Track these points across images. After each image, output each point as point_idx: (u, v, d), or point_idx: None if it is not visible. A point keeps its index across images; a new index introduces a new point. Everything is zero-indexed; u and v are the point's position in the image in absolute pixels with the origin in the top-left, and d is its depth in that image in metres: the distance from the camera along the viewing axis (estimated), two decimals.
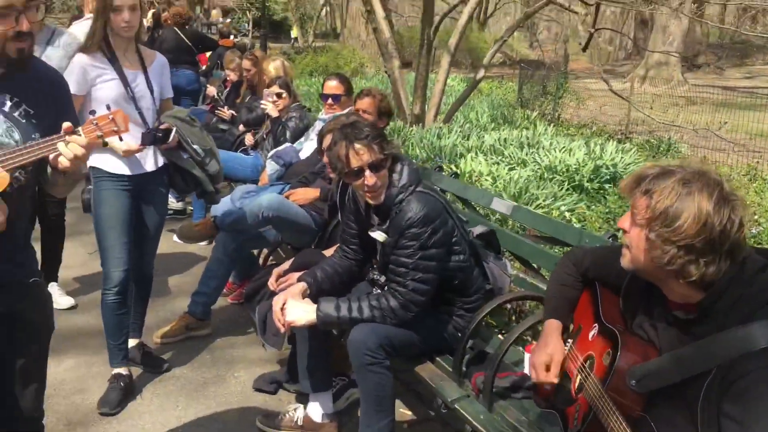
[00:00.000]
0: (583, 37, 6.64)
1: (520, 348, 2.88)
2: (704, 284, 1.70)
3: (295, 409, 3.20)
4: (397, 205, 2.74)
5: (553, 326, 2.20)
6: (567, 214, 5.08)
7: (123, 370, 3.39)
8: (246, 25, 25.53)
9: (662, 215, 1.67)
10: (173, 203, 6.11)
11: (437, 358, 2.89)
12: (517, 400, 2.60)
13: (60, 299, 4.26)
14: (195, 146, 3.31)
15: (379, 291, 2.91)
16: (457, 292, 2.91)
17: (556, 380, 2.09)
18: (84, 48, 3.14)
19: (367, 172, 2.69)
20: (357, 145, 2.67)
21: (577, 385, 2.06)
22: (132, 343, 3.58)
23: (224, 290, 4.34)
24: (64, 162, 1.79)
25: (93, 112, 1.89)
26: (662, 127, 10.70)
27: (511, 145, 6.99)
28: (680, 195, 1.66)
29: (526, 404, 2.55)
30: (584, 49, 7.38)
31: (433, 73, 9.62)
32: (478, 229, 3.15)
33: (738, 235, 1.65)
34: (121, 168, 3.22)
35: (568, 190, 5.75)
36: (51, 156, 1.80)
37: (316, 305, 2.76)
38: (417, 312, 2.72)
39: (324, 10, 40.09)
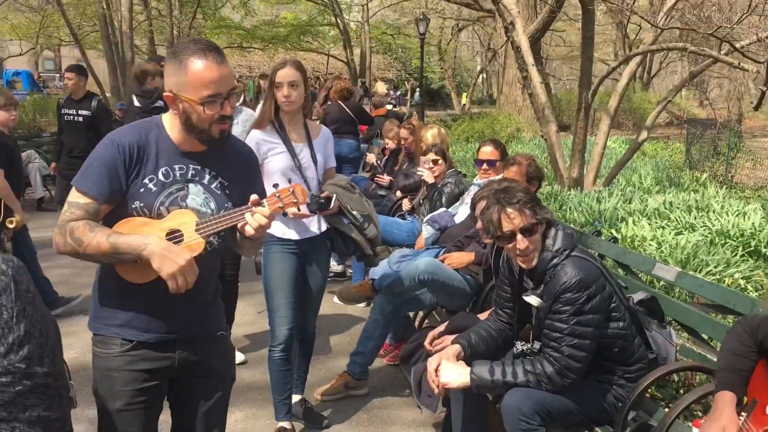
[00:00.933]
0: (755, 95, 6.25)
1: (689, 424, 2.70)
2: None
3: None
4: (551, 269, 2.73)
5: (726, 398, 2.07)
6: (742, 282, 4.74)
7: (287, 424, 3.57)
8: (391, 93, 26.72)
9: None
10: (333, 266, 6.41)
11: (597, 429, 2.78)
12: None
13: None
14: (354, 212, 3.50)
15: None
16: (617, 361, 2.81)
17: None
18: (257, 124, 3.46)
19: (519, 236, 2.72)
20: (509, 210, 2.72)
21: None
22: (295, 399, 3.76)
23: (381, 351, 4.46)
24: (250, 231, 2.02)
25: (276, 185, 2.12)
26: None
27: (678, 208, 6.65)
28: None
29: None
30: (756, 108, 6.91)
31: (592, 136, 9.46)
32: (638, 296, 3.03)
33: None
34: (289, 233, 3.47)
35: (743, 256, 5.36)
36: (239, 224, 2.02)
37: (469, 368, 2.78)
38: (573, 379, 2.65)
39: (480, 77, 40.93)
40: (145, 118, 2.17)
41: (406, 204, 5.99)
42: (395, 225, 5.66)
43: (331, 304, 5.51)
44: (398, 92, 24.15)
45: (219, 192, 2.12)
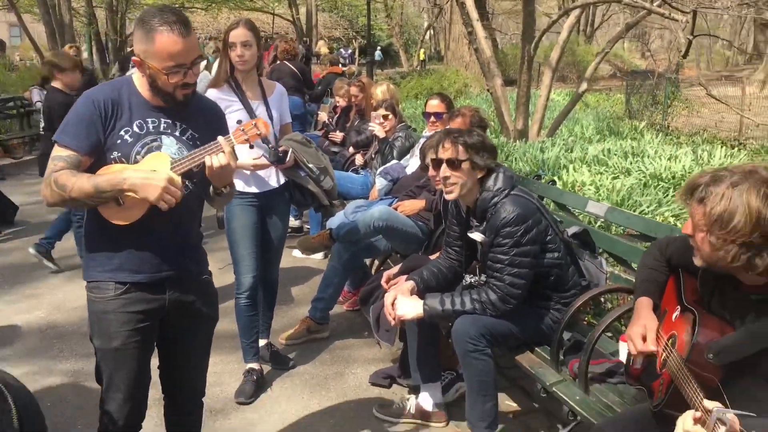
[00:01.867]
0: (684, 44, 6.58)
1: (615, 339, 3.04)
2: None
3: (407, 400, 3.50)
4: (492, 207, 3.01)
5: (644, 303, 2.34)
6: (671, 220, 5.12)
7: (255, 365, 3.82)
8: (343, 52, 26.66)
9: (718, 220, 1.83)
10: (291, 221, 6.62)
11: (537, 349, 3.11)
12: (612, 385, 2.78)
13: None
14: (311, 165, 3.71)
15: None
16: (553, 288, 3.12)
17: (653, 348, 2.21)
18: (214, 83, 3.62)
19: (444, 166, 3.00)
20: (446, 142, 3.01)
21: (661, 361, 2.23)
22: (261, 343, 4.01)
23: (340, 299, 4.73)
24: (217, 162, 2.18)
25: (240, 122, 2.31)
26: None
27: (615, 155, 7.03)
28: (731, 198, 1.81)
29: (621, 388, 2.73)
30: (684, 56, 7.29)
31: (537, 90, 9.76)
32: (572, 229, 3.35)
33: None
34: (250, 187, 3.66)
35: (674, 196, 5.76)
36: (208, 162, 2.20)
37: (423, 300, 3.06)
38: (514, 304, 2.96)
39: (428, 34, 40.88)
40: (118, 78, 2.35)
41: (359, 159, 6.21)
42: (349, 179, 5.88)
43: (291, 259, 5.75)
44: (350, 50, 24.08)
45: (191, 143, 2.31)
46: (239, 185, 3.63)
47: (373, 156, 5.93)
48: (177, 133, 2.29)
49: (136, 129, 2.21)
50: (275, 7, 32.32)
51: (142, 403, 2.43)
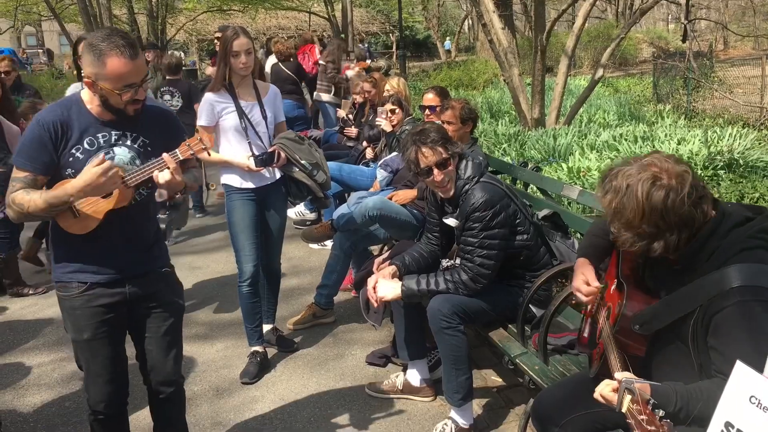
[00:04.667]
0: (688, 28, 6.59)
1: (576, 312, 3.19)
2: (678, 250, 1.99)
3: (396, 376, 3.73)
4: (463, 194, 3.21)
5: (580, 261, 2.50)
6: None
7: (259, 348, 4.10)
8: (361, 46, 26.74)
9: (616, 213, 1.97)
10: (307, 214, 6.91)
11: (509, 325, 3.30)
12: (573, 356, 2.96)
13: None
14: (303, 161, 3.94)
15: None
16: (524, 267, 3.31)
17: (598, 284, 2.39)
18: (211, 87, 3.89)
19: (435, 171, 3.19)
20: (424, 149, 3.18)
21: (598, 332, 2.41)
22: (267, 328, 4.29)
23: (348, 285, 4.97)
24: (162, 178, 2.39)
25: (184, 138, 2.52)
26: None
27: (626, 140, 7.10)
28: (622, 192, 1.94)
29: (581, 359, 2.91)
30: (683, 41, 7.28)
31: (574, 77, 9.80)
32: (543, 212, 3.52)
33: (684, 209, 1.91)
34: (246, 183, 3.92)
35: None
36: (155, 174, 2.40)
37: (401, 282, 3.28)
38: (484, 284, 3.15)
39: (465, 24, 40.75)
40: (65, 97, 2.56)
41: (369, 153, 6.43)
42: (359, 172, 6.11)
43: (303, 247, 6.04)
44: (365, 44, 24.16)
45: (142, 150, 2.50)
46: (236, 182, 3.91)
47: (382, 149, 6.15)
48: (128, 143, 2.48)
49: (86, 146, 2.40)
50: (311, 5, 32.73)
51: (122, 385, 2.68)
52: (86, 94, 2.44)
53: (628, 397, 1.75)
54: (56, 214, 2.38)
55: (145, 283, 2.61)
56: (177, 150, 2.42)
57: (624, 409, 1.74)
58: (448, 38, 34.41)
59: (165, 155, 2.40)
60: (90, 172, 2.26)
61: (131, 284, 2.58)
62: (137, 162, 2.49)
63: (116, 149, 2.46)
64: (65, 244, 2.51)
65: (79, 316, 2.52)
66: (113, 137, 2.46)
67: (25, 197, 2.32)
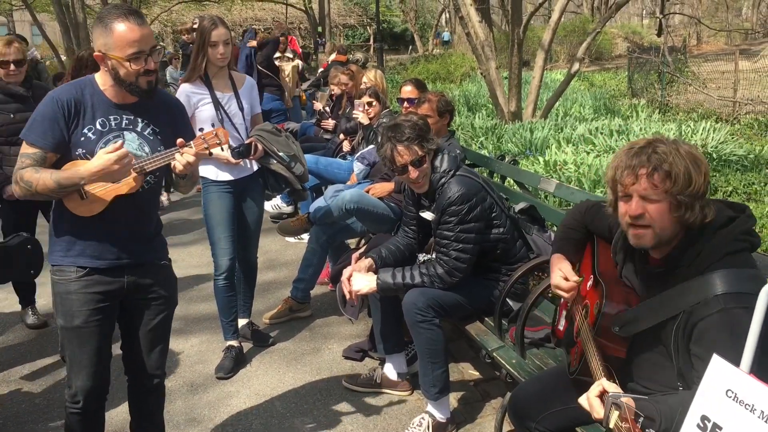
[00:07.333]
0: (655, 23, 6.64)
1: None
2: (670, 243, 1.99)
3: (374, 370, 3.72)
4: (440, 188, 3.19)
5: (556, 257, 2.48)
6: None
7: (234, 343, 4.06)
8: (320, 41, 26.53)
9: (666, 176, 1.90)
10: (284, 207, 6.86)
11: (486, 319, 3.30)
12: (550, 349, 2.96)
13: None
14: (281, 153, 3.90)
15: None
16: (501, 261, 3.31)
17: (578, 278, 2.38)
18: (187, 78, 3.83)
19: (410, 168, 3.18)
20: (399, 147, 3.16)
21: (576, 329, 2.40)
22: (243, 322, 4.25)
23: (325, 279, 4.94)
24: (179, 167, 2.41)
25: (201, 130, 2.51)
26: None
27: (602, 134, 7.15)
28: (674, 153, 1.91)
29: (558, 352, 2.92)
30: (658, 35, 7.37)
31: (550, 71, 9.84)
32: (519, 206, 3.52)
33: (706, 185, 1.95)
34: (224, 175, 3.88)
35: None
36: (172, 163, 2.42)
37: (377, 275, 3.26)
38: (460, 277, 3.14)
39: (443, 17, 40.72)
40: (79, 78, 2.53)
41: (346, 145, 6.39)
42: (336, 165, 6.07)
43: (280, 241, 6.00)
44: (323, 40, 24.08)
45: (152, 137, 2.50)
46: (212, 173, 3.86)
47: (359, 142, 6.11)
48: (138, 129, 2.47)
49: (98, 127, 2.40)
50: None
51: (105, 378, 2.64)
52: (99, 76, 2.44)
53: (615, 413, 1.72)
54: (64, 195, 2.36)
55: (144, 274, 2.59)
56: (192, 142, 2.42)
57: (612, 425, 1.72)
58: (446, 29, 34.33)
59: (184, 148, 2.40)
60: (105, 158, 2.25)
61: (130, 274, 2.55)
62: (145, 149, 2.48)
63: (126, 133, 2.45)
64: (68, 227, 2.47)
65: (73, 301, 2.48)
66: (124, 121, 2.45)
67: (35, 175, 2.30)
